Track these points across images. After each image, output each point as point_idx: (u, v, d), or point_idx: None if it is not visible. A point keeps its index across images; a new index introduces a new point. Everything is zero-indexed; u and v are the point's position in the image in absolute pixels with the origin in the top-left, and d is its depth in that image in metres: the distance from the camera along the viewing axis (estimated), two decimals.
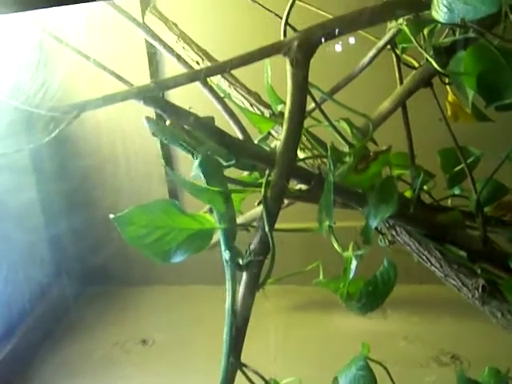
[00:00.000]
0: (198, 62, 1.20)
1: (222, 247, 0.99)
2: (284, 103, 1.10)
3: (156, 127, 0.93)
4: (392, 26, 1.06)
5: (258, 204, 1.12)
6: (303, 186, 1.08)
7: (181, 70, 1.19)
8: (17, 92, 0.94)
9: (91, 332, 1.70)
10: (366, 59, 1.12)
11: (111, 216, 0.99)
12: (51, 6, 0.68)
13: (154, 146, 1.72)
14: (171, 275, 1.38)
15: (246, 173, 1.19)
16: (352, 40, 1.01)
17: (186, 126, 0.96)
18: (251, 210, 1.25)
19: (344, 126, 1.07)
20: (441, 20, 0.88)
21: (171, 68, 1.65)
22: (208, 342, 1.58)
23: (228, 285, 1.00)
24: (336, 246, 0.97)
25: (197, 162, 0.97)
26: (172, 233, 1.00)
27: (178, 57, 1.19)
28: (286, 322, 1.59)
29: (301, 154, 1.11)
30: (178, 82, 0.94)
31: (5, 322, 1.58)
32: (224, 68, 0.96)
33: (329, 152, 0.94)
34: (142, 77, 1.21)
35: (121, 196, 1.80)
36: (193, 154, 0.96)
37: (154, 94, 0.94)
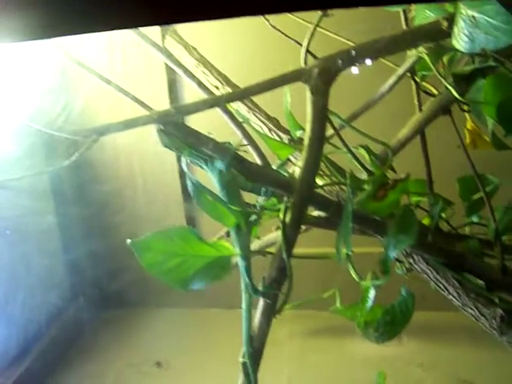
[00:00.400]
0: (217, 87, 1.20)
1: (242, 273, 0.99)
2: (303, 129, 1.10)
3: (167, 139, 0.93)
4: (412, 54, 1.07)
5: (276, 229, 1.13)
6: (320, 213, 1.08)
7: (200, 94, 1.20)
8: (39, 116, 0.95)
9: (106, 354, 1.70)
10: (386, 86, 1.12)
11: (129, 241, 1.00)
12: (77, 34, 0.69)
13: (172, 170, 1.75)
14: (187, 298, 1.38)
15: (262, 198, 1.19)
16: (370, 66, 1.01)
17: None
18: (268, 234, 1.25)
19: (362, 153, 1.07)
20: (461, 49, 0.88)
21: (190, 92, 1.66)
22: (223, 366, 1.58)
23: (244, 310, 1.00)
24: (353, 274, 0.97)
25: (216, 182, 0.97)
26: (190, 260, 1.00)
27: (198, 81, 1.19)
28: (301, 347, 1.58)
29: (319, 181, 1.11)
30: (198, 107, 0.94)
31: (21, 343, 1.59)
32: (245, 94, 0.97)
33: (348, 180, 0.94)
34: (161, 101, 1.22)
35: (138, 219, 1.81)
36: (205, 164, 0.96)
37: (175, 119, 0.94)
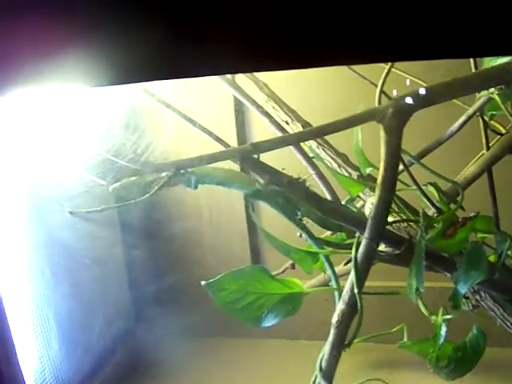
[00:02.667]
0: (287, 122, 1.23)
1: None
2: (372, 166, 1.13)
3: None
4: (482, 95, 1.08)
5: (345, 264, 1.15)
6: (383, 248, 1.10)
7: (268, 130, 1.22)
8: (122, 150, 0.99)
9: (166, 381, 1.71)
10: (456, 125, 1.13)
11: (203, 283, 1.04)
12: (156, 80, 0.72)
13: (238, 201, 1.77)
14: (248, 328, 1.40)
15: (328, 232, 1.21)
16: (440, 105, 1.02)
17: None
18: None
19: (431, 190, 1.09)
20: None
21: (258, 129, 1.69)
22: None
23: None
24: (423, 309, 0.98)
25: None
26: (263, 298, 1.03)
27: (270, 117, 1.22)
28: (362, 379, 1.59)
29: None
30: (275, 144, 0.97)
31: (86, 369, 1.62)
32: (321, 133, 0.99)
33: (421, 218, 0.96)
34: (228, 137, 1.24)
35: (203, 250, 1.83)
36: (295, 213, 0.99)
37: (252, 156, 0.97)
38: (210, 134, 1.09)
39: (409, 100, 0.95)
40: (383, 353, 1.61)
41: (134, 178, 0.99)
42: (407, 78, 1.12)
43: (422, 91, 0.97)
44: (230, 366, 1.76)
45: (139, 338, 1.86)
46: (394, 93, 1.08)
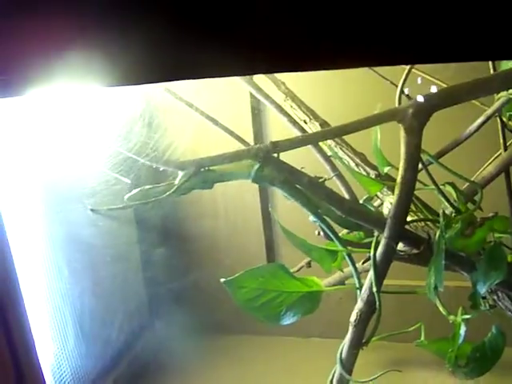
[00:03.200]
0: (305, 121, 1.23)
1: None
2: (391, 165, 1.13)
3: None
4: (502, 95, 1.08)
5: (363, 263, 1.15)
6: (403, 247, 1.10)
7: (286, 129, 1.23)
8: (143, 149, 0.99)
9: (182, 378, 1.72)
10: (474, 125, 1.13)
11: (222, 280, 1.04)
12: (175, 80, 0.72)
13: (252, 202, 1.78)
14: (265, 326, 1.40)
15: (345, 231, 1.22)
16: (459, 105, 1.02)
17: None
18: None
19: (449, 190, 1.09)
20: None
21: (275, 127, 1.70)
22: None
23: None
24: (442, 309, 0.99)
25: (312, 218, 1.01)
26: (282, 296, 1.04)
27: (288, 115, 1.22)
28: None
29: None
30: (294, 144, 0.98)
31: (99, 366, 1.63)
32: (341, 132, 0.99)
33: (441, 218, 0.96)
34: (245, 136, 1.25)
35: (219, 249, 1.84)
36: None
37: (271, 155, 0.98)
38: (231, 133, 1.10)
39: (429, 100, 0.95)
40: (399, 351, 1.62)
41: (148, 187, 0.99)
42: (423, 77, 1.12)
43: (442, 91, 0.97)
44: (243, 363, 1.77)
45: (155, 334, 1.87)
46: (406, 91, 1.09)
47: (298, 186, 1.00)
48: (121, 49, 0.68)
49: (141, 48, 0.68)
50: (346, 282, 1.29)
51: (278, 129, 1.62)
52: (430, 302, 1.02)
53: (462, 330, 0.97)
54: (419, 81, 1.14)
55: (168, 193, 0.98)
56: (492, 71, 1.12)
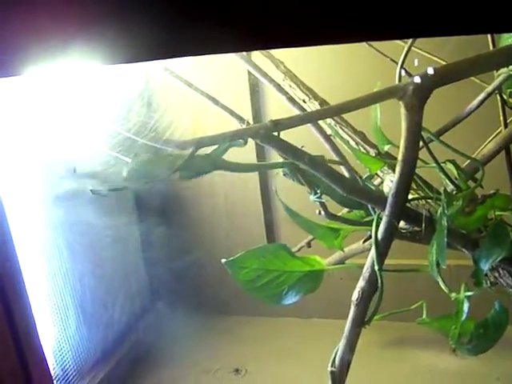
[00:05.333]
0: (304, 101, 1.23)
1: None
2: (391, 143, 1.12)
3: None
4: (502, 72, 1.08)
5: (364, 242, 1.15)
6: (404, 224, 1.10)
7: (284, 108, 1.22)
8: (143, 129, 0.98)
9: (184, 359, 1.72)
10: (475, 103, 1.13)
11: (223, 260, 1.04)
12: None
13: (252, 183, 1.78)
14: (265, 307, 1.41)
15: (345, 210, 1.21)
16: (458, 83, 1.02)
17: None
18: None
19: (450, 168, 1.09)
20: None
21: (273, 106, 1.69)
22: (298, 373, 1.61)
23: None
24: (443, 286, 0.99)
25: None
26: (283, 275, 1.03)
27: (287, 94, 1.22)
28: (377, 357, 1.59)
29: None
30: (294, 122, 0.97)
31: (103, 347, 1.63)
32: (341, 110, 0.99)
33: (443, 196, 0.95)
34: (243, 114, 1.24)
35: (219, 230, 1.84)
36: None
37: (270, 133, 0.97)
38: (232, 112, 1.09)
39: (430, 77, 0.94)
40: (399, 330, 1.63)
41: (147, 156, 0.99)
42: (422, 55, 1.11)
43: (442, 68, 0.96)
44: (244, 343, 1.77)
45: (156, 316, 1.87)
46: (403, 72, 1.08)
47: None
48: (120, 27, 0.67)
49: (140, 26, 0.67)
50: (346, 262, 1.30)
51: (276, 108, 1.62)
52: (428, 281, 1.02)
53: (466, 306, 0.97)
54: (416, 62, 1.12)
55: (171, 172, 0.98)
56: (492, 47, 1.12)
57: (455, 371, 1.50)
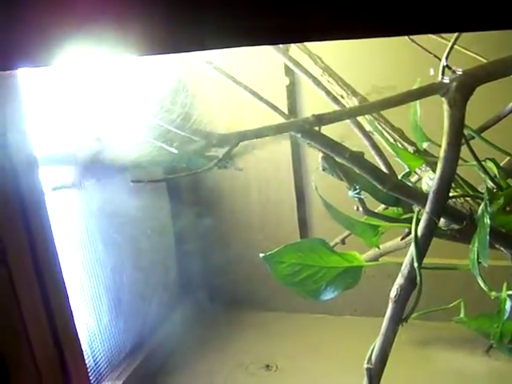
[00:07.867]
0: (342, 96, 1.22)
1: None
2: (430, 141, 1.12)
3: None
4: None
5: (402, 239, 1.14)
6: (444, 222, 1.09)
7: (319, 103, 1.21)
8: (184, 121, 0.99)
9: (216, 353, 1.72)
10: None
11: (261, 255, 1.04)
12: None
13: (287, 175, 1.77)
14: (296, 303, 1.40)
15: (382, 206, 1.21)
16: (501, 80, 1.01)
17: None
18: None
19: (490, 166, 1.08)
20: None
21: (308, 101, 1.69)
22: (329, 371, 1.60)
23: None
24: (483, 285, 0.98)
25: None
26: (322, 271, 1.03)
27: (326, 90, 1.21)
28: (409, 356, 1.58)
29: None
30: (337, 116, 0.97)
31: (134, 340, 1.64)
32: (383, 106, 0.98)
33: (485, 194, 0.95)
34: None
35: (252, 225, 1.84)
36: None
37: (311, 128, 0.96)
38: (274, 107, 1.09)
39: (473, 73, 0.94)
40: (432, 330, 1.62)
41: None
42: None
43: (487, 65, 0.95)
44: (276, 339, 1.77)
45: (189, 309, 1.88)
46: (432, 72, 1.07)
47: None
48: (140, 19, 0.67)
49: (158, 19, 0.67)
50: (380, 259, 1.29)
51: (312, 104, 1.61)
52: (461, 281, 1.01)
53: (508, 305, 0.96)
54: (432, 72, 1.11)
55: (211, 164, 0.98)
56: None
57: (487, 372, 1.49)
